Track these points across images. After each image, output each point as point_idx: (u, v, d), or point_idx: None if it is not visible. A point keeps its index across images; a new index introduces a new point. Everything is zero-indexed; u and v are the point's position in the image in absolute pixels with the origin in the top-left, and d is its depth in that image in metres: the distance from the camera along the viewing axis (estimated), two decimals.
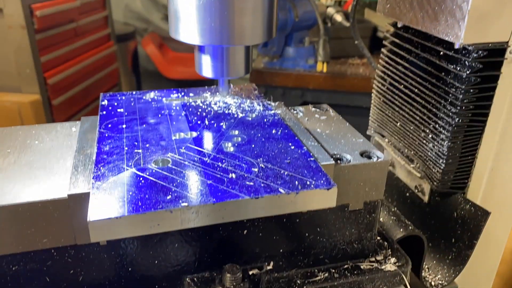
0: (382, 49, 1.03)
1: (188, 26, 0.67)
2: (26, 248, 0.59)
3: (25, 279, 0.61)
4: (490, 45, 0.77)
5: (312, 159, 0.64)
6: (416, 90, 0.92)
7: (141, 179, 0.58)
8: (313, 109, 0.90)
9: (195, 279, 0.66)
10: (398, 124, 0.99)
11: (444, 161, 0.86)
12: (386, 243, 0.79)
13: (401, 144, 1.00)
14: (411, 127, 0.94)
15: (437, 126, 0.86)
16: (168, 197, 0.54)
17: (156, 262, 0.65)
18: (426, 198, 0.96)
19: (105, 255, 0.63)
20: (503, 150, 0.88)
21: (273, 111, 0.82)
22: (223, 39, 0.67)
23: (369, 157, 0.70)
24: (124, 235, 0.52)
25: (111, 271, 0.65)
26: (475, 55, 0.78)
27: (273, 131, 0.73)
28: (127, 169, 0.60)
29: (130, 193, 0.55)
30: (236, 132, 0.73)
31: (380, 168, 0.69)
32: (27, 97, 2.64)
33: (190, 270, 0.67)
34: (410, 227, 0.85)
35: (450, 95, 0.83)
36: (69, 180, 0.60)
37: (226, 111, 0.82)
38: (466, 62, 0.79)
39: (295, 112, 0.88)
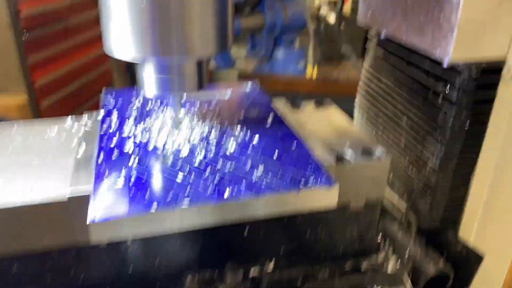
0: (364, 62, 0.91)
1: (124, 39, 0.57)
2: (27, 249, 0.59)
3: (26, 280, 0.61)
4: (484, 62, 0.66)
5: (313, 157, 0.63)
6: (401, 111, 0.80)
7: (142, 179, 0.58)
8: (315, 106, 0.88)
9: (196, 278, 0.66)
10: None
11: (432, 194, 0.74)
12: (387, 243, 0.77)
13: None
14: (395, 153, 0.82)
15: (424, 153, 0.75)
16: (169, 197, 0.54)
17: (157, 261, 0.65)
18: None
19: (106, 255, 0.63)
20: (499, 181, 0.76)
21: (274, 109, 0.79)
22: (165, 50, 0.57)
23: (371, 155, 0.68)
24: (125, 235, 0.52)
25: (112, 271, 0.64)
26: (466, 73, 0.66)
27: (274, 130, 0.72)
28: (128, 169, 0.60)
29: (131, 193, 0.55)
30: (238, 131, 0.71)
31: (381, 167, 0.68)
32: (13, 99, 2.56)
33: (191, 269, 0.67)
34: (440, 263, 0.73)
35: (439, 119, 0.71)
36: (70, 180, 0.60)
37: (228, 109, 0.80)
38: (457, 81, 0.68)
39: (297, 109, 0.86)
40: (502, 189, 0.77)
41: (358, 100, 0.95)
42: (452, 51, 0.63)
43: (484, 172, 0.75)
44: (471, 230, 0.80)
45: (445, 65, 0.66)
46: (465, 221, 0.79)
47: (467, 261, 0.72)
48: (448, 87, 0.69)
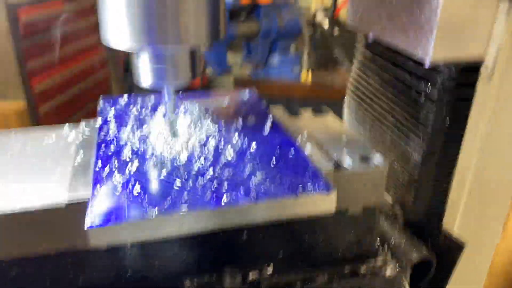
0: (354, 62, 0.95)
1: (118, 28, 0.58)
2: (26, 253, 0.59)
3: (25, 283, 0.62)
4: (463, 61, 0.70)
5: (311, 163, 0.64)
6: (386, 110, 0.84)
7: (140, 185, 0.58)
8: (313, 112, 0.89)
9: (195, 282, 0.66)
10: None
11: (416, 188, 0.78)
12: (386, 247, 0.77)
13: None
14: (382, 149, 0.86)
15: (407, 149, 0.78)
16: (168, 202, 0.54)
17: (155, 266, 0.66)
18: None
19: (104, 259, 0.64)
20: (481, 174, 0.80)
21: (272, 116, 0.80)
22: (160, 39, 0.59)
23: (369, 162, 0.69)
24: (123, 241, 0.53)
25: (111, 275, 0.65)
26: (446, 73, 0.70)
27: (272, 137, 0.73)
28: (126, 174, 0.61)
29: (130, 198, 0.55)
30: (236, 137, 0.72)
31: (379, 173, 0.69)
32: (12, 105, 2.58)
33: (190, 273, 0.67)
34: (423, 251, 0.76)
35: (421, 116, 0.75)
36: (69, 186, 0.60)
37: (226, 116, 0.81)
38: (437, 80, 0.72)
39: (294, 116, 0.87)
40: (483, 182, 0.80)
41: (347, 100, 0.99)
42: (433, 51, 0.67)
43: (465, 165, 0.78)
44: (454, 222, 0.83)
45: (426, 65, 0.70)
46: (449, 213, 0.82)
47: (450, 250, 0.76)
48: (429, 86, 0.73)
